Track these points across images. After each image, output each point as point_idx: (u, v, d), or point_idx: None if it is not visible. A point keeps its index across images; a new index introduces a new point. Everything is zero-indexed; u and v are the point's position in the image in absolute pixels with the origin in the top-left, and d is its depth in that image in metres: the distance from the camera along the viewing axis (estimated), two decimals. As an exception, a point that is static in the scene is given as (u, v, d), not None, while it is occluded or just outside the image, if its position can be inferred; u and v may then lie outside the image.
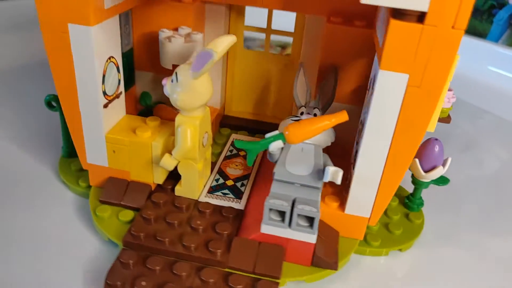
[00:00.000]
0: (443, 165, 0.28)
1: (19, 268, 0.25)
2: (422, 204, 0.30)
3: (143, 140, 0.27)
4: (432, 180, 0.29)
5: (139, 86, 0.34)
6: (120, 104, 0.29)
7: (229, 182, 0.30)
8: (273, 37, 0.35)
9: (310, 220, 0.24)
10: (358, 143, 0.25)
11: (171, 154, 0.26)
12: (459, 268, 0.28)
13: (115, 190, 0.28)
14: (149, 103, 0.34)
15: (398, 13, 0.20)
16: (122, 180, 0.28)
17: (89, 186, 0.30)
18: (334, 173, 0.24)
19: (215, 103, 0.36)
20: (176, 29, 0.30)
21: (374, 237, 0.28)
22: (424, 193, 0.30)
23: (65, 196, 0.30)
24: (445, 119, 0.26)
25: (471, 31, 0.67)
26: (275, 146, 0.24)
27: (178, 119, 0.26)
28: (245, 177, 0.31)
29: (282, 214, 0.24)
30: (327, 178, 0.24)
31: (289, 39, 0.35)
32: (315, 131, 0.24)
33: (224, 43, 0.24)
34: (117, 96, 0.28)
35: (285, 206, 0.23)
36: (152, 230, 0.25)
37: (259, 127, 0.37)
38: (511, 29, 0.65)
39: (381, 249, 0.27)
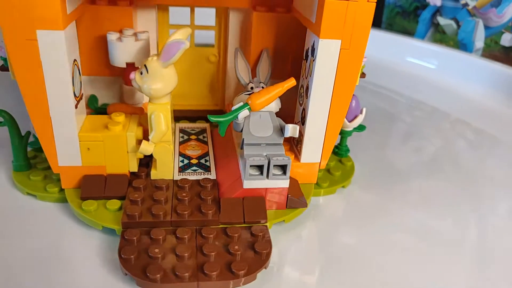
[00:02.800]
0: (361, 113, 0.36)
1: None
2: (348, 150, 0.38)
3: (118, 133, 0.29)
4: (354, 128, 0.37)
5: (85, 90, 0.35)
6: (83, 105, 0.30)
7: (194, 161, 0.33)
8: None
9: (282, 168, 0.29)
10: (302, 104, 0.31)
11: (146, 141, 0.29)
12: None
13: (94, 185, 0.30)
14: (97, 105, 0.35)
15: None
16: (98, 176, 0.30)
17: (61, 191, 0.31)
18: (293, 129, 0.29)
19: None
20: (120, 32, 0.32)
21: (323, 180, 0.34)
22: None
23: (34, 206, 0.30)
24: (361, 75, 0.33)
25: (401, 30, 0.77)
26: (242, 115, 0.29)
27: (151, 107, 0.29)
28: (206, 154, 0.34)
29: (259, 168, 0.29)
30: (288, 133, 0.29)
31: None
32: (272, 97, 0.29)
33: (185, 33, 0.28)
34: (81, 98, 0.29)
35: (263, 160, 0.28)
36: (144, 209, 0.28)
37: (197, 115, 0.40)
38: (434, 27, 0.73)
39: (331, 188, 0.34)
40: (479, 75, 0.61)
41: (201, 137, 0.37)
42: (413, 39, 0.72)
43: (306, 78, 0.31)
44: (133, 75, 0.28)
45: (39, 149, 0.34)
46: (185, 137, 0.37)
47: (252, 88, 0.32)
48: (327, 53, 0.28)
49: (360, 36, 0.28)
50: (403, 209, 0.34)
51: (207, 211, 0.28)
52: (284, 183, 0.29)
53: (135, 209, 0.27)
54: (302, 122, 0.31)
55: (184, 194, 0.29)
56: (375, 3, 0.27)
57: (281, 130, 0.30)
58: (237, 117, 0.29)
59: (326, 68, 0.29)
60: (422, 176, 0.38)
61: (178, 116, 0.40)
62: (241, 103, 0.29)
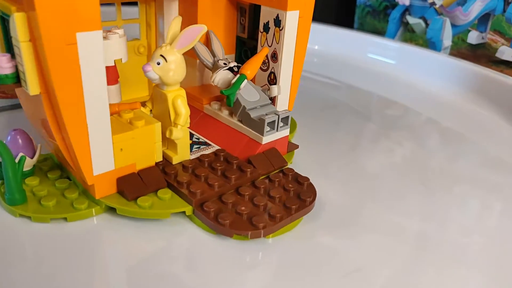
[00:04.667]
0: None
1: None
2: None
3: (147, 127, 0.29)
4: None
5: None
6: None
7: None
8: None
9: (285, 120, 0.35)
10: (267, 69, 0.38)
11: (173, 127, 0.30)
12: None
13: (134, 184, 0.29)
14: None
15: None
16: (131, 175, 0.30)
17: (90, 205, 0.29)
18: (278, 89, 0.36)
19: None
20: (90, 31, 0.31)
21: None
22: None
23: (67, 230, 0.28)
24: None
25: (372, 29, 0.73)
26: (243, 85, 0.34)
27: (171, 94, 0.30)
28: (191, 134, 0.37)
29: (270, 124, 0.34)
30: (274, 93, 0.36)
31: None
32: (258, 66, 0.35)
33: (180, 20, 0.31)
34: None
35: (275, 117, 0.34)
36: (200, 186, 0.30)
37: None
38: (404, 26, 0.73)
39: (290, 134, 0.42)
40: (447, 73, 0.61)
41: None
42: (382, 38, 0.71)
43: (270, 46, 0.37)
44: (149, 67, 0.29)
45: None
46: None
47: (224, 63, 0.36)
48: (292, 23, 0.35)
49: (309, 4, 0.36)
50: (374, 209, 0.33)
51: (247, 169, 0.32)
52: (286, 131, 0.36)
53: (196, 187, 0.29)
54: (271, 83, 0.38)
55: (218, 164, 0.32)
56: (319, -22, 0.35)
57: (264, 92, 0.36)
58: (239, 87, 0.34)
59: (291, 35, 0.36)
60: (392, 176, 0.38)
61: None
62: (238, 76, 0.34)
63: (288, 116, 0.35)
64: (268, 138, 0.34)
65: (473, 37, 0.66)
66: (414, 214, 0.33)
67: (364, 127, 0.48)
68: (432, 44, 0.71)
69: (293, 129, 0.44)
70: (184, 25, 0.40)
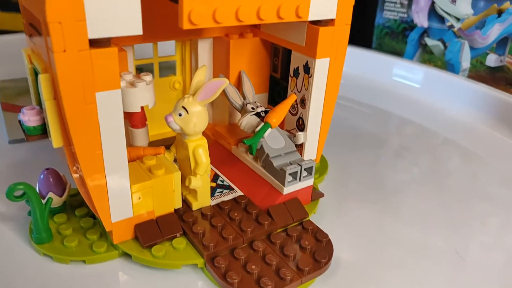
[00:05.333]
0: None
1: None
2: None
3: (165, 176, 0.30)
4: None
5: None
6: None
7: (213, 184, 0.36)
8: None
9: (309, 170, 0.34)
10: (296, 114, 0.37)
11: (192, 175, 0.31)
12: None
13: (150, 231, 0.30)
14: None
15: (316, 22, 0.33)
16: (149, 221, 0.30)
17: (108, 248, 0.30)
18: (304, 136, 0.35)
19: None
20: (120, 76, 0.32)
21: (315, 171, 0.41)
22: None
23: (88, 270, 0.29)
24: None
25: (391, 50, 0.76)
26: (267, 134, 0.33)
27: (191, 144, 0.31)
28: (216, 176, 0.37)
29: (292, 175, 0.34)
30: (301, 140, 0.35)
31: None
32: (285, 113, 0.34)
33: (205, 71, 0.31)
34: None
35: (297, 167, 0.33)
36: (214, 237, 0.30)
37: (168, 143, 0.42)
38: (422, 48, 0.74)
39: (321, 177, 0.41)
40: (465, 96, 0.63)
41: (195, 161, 0.39)
42: (400, 59, 0.73)
43: (299, 91, 0.36)
44: (171, 118, 0.30)
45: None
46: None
47: (252, 108, 0.36)
48: (321, 70, 0.34)
49: (341, 52, 0.35)
50: (394, 224, 0.36)
51: (264, 221, 0.32)
52: (310, 181, 0.35)
53: (210, 239, 0.30)
54: (299, 129, 0.37)
55: (235, 214, 0.32)
56: (349, 25, 0.34)
57: (290, 139, 0.35)
58: (263, 136, 0.33)
59: (320, 82, 0.35)
60: (411, 194, 0.40)
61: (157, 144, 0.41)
62: (262, 124, 0.34)
63: (312, 167, 0.34)
64: (289, 188, 0.34)
65: (492, 60, 0.66)
66: (433, 231, 0.35)
67: (383, 144, 0.50)
68: (450, 66, 0.71)
69: (324, 171, 0.43)
70: (216, 63, 0.41)
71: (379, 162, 0.47)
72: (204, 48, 0.40)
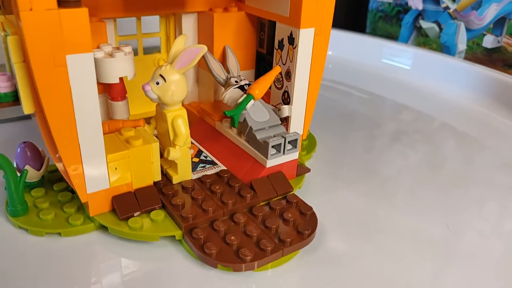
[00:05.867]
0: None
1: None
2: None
3: (143, 146, 0.29)
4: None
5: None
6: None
7: (195, 159, 0.35)
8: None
9: (293, 143, 0.34)
10: (282, 88, 0.36)
11: (171, 147, 0.30)
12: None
13: (128, 203, 0.29)
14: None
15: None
16: (127, 193, 0.30)
17: (85, 221, 0.29)
18: (289, 109, 0.34)
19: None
20: (98, 47, 0.31)
21: (303, 148, 0.40)
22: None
23: (63, 243, 0.29)
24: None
25: (385, 34, 0.74)
26: (249, 105, 0.33)
27: (170, 114, 0.30)
28: (200, 151, 0.36)
29: (275, 147, 0.33)
30: (285, 113, 0.34)
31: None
32: (268, 86, 0.33)
33: (184, 40, 0.30)
34: (96, 119, 0.28)
35: (280, 139, 0.32)
36: (194, 209, 0.29)
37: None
38: (417, 31, 0.73)
39: (308, 154, 0.40)
40: (462, 78, 0.61)
41: (179, 138, 0.38)
42: (391, 42, 0.71)
43: (284, 64, 0.35)
44: (149, 87, 0.29)
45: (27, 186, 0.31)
46: (166, 142, 0.38)
47: (236, 81, 0.35)
48: (306, 41, 0.33)
49: (326, 22, 0.34)
50: (385, 207, 0.34)
51: (247, 194, 0.31)
52: (295, 155, 0.34)
53: (189, 211, 0.29)
54: (285, 102, 0.36)
55: (217, 187, 0.31)
56: (339, -6, 0.33)
57: (274, 112, 0.34)
58: (245, 108, 0.32)
59: (305, 53, 0.34)
60: (405, 178, 0.39)
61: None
62: (245, 95, 0.33)
63: (296, 139, 0.33)
64: (273, 161, 0.33)
65: (489, 41, 0.65)
66: (429, 217, 0.33)
67: (378, 135, 0.48)
68: (446, 49, 0.70)
69: (312, 148, 0.42)
70: (201, 39, 0.40)
71: (373, 145, 0.45)
72: (189, 24, 0.39)
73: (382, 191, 0.37)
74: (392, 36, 0.76)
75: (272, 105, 0.37)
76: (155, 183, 0.31)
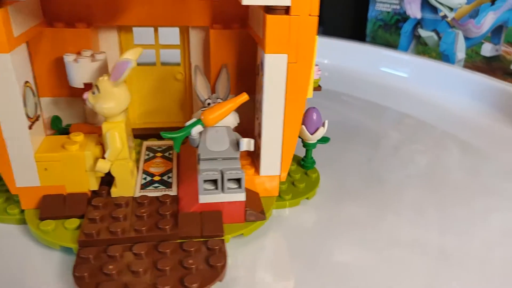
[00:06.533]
0: (323, 126, 0.36)
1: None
2: (314, 162, 0.38)
3: (75, 152, 0.29)
4: (318, 140, 0.37)
5: (46, 112, 0.35)
6: (40, 126, 0.30)
7: (156, 178, 0.34)
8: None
9: (238, 182, 0.29)
10: (258, 118, 0.32)
11: (103, 159, 0.29)
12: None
13: (53, 205, 0.30)
14: (61, 126, 0.35)
15: (271, 9, 0.27)
16: (57, 195, 0.30)
17: (22, 211, 0.31)
18: (247, 143, 0.30)
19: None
20: (79, 53, 0.33)
21: (286, 193, 0.34)
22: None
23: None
24: (317, 88, 0.34)
25: (384, 43, 0.77)
26: (195, 131, 0.30)
27: (105, 126, 0.29)
28: (169, 171, 0.35)
29: (214, 183, 0.29)
30: (243, 147, 0.30)
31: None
32: (225, 113, 0.30)
33: (135, 53, 0.29)
34: (37, 119, 0.30)
35: (216, 174, 0.28)
36: (102, 227, 0.28)
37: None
38: (416, 39, 0.73)
39: (294, 200, 0.34)
40: (462, 86, 0.60)
41: (166, 154, 0.37)
42: (393, 51, 0.72)
43: (259, 93, 0.31)
44: (86, 95, 0.29)
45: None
46: (151, 154, 0.37)
47: (209, 104, 0.33)
48: (274, 68, 0.29)
49: (306, 49, 0.28)
50: (392, 221, 0.34)
51: (165, 226, 0.28)
52: (241, 196, 0.29)
53: (93, 227, 0.28)
54: (259, 135, 0.32)
55: (142, 211, 0.29)
56: (317, 17, 0.27)
57: (237, 145, 0.30)
58: (190, 133, 0.30)
59: (274, 82, 0.29)
60: (410, 189, 0.38)
61: (148, 134, 0.40)
62: (194, 119, 0.30)
63: (240, 178, 0.29)
64: (208, 197, 0.29)
65: (487, 49, 0.65)
66: (434, 228, 0.33)
67: (380, 139, 0.48)
68: (445, 57, 0.70)
69: (315, 185, 0.36)
70: (204, 55, 0.38)
71: (376, 156, 0.44)
72: (194, 38, 0.37)
73: (387, 203, 0.36)
74: (391, 45, 0.76)
75: (254, 137, 0.33)
76: (94, 192, 0.31)
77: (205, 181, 0.29)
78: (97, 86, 0.28)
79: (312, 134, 0.36)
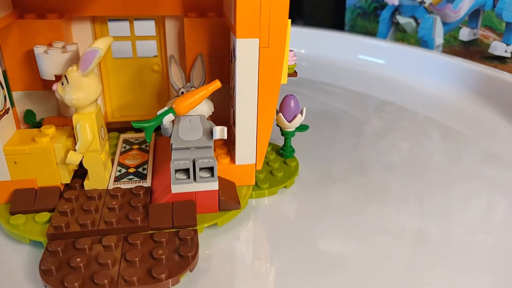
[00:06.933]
0: (301, 113, 0.36)
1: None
2: (293, 151, 0.38)
3: (44, 145, 0.29)
4: (296, 128, 0.37)
5: (19, 106, 0.35)
6: (10, 120, 0.30)
7: (131, 170, 0.33)
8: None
9: (211, 170, 0.29)
10: (233, 106, 0.31)
11: (74, 151, 0.29)
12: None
13: (24, 198, 0.29)
14: (34, 120, 0.35)
15: (240, -6, 0.27)
16: (29, 189, 0.30)
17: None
18: (220, 131, 0.29)
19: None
20: (50, 45, 0.32)
21: (263, 182, 0.34)
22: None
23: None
24: (292, 74, 0.33)
25: (363, 31, 0.77)
26: (167, 120, 0.29)
27: (75, 117, 0.29)
28: (144, 163, 0.34)
29: (187, 172, 0.29)
30: (216, 135, 0.29)
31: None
32: (197, 100, 0.29)
33: (104, 41, 0.28)
34: (6, 112, 0.29)
35: (188, 164, 0.28)
36: (73, 220, 0.28)
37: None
38: (394, 26, 0.73)
39: (272, 189, 0.34)
40: (441, 71, 0.61)
41: (143, 146, 0.37)
42: (372, 38, 0.72)
43: (232, 80, 0.31)
44: (55, 86, 0.28)
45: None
46: (127, 147, 0.36)
47: (182, 93, 0.32)
48: (246, 53, 0.28)
49: (278, 33, 0.28)
50: (376, 208, 0.33)
51: (135, 217, 0.28)
52: (213, 185, 0.29)
53: (62, 220, 0.27)
54: (233, 124, 0.31)
55: (114, 203, 0.29)
56: (287, 1, 0.27)
57: (211, 133, 0.30)
58: (161, 122, 0.29)
59: (247, 68, 0.29)
60: (394, 176, 0.38)
61: (127, 127, 0.40)
62: (166, 108, 0.29)
63: (212, 167, 0.28)
64: (179, 187, 0.29)
65: (465, 33, 0.65)
66: (417, 214, 0.33)
67: (363, 126, 0.48)
68: (424, 43, 0.70)
69: (293, 174, 0.35)
70: (180, 45, 0.37)
71: (360, 143, 0.44)
72: (170, 28, 0.37)
73: (369, 190, 0.36)
74: (370, 33, 0.75)
75: (229, 125, 0.33)
76: (67, 185, 0.31)
77: (177, 170, 0.28)
78: (65, 77, 0.28)
79: (289, 122, 0.35)
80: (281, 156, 0.37)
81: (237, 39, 0.28)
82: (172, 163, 0.28)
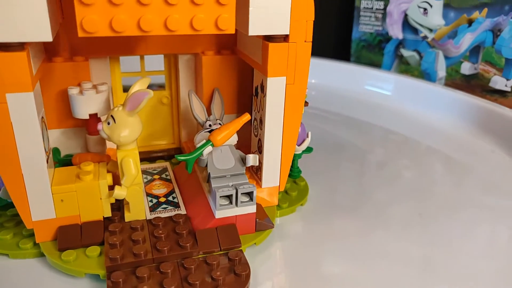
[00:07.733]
0: (307, 137, 0.40)
1: None
2: (300, 171, 0.42)
3: (90, 182, 0.30)
4: (303, 151, 0.41)
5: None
6: (51, 159, 0.31)
7: (162, 199, 0.35)
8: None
9: (249, 195, 0.32)
10: (257, 135, 0.35)
11: (119, 186, 0.31)
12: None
13: (70, 235, 0.30)
14: (60, 157, 0.36)
15: (271, 38, 0.31)
16: (73, 225, 0.31)
17: (35, 245, 0.31)
18: (253, 158, 0.32)
19: (112, 145, 0.40)
20: (79, 85, 0.34)
21: (282, 201, 0.37)
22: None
23: (8, 265, 0.30)
24: (304, 103, 0.37)
25: (369, 62, 0.79)
26: (206, 152, 0.32)
27: (120, 153, 0.30)
28: (172, 191, 0.36)
29: (228, 198, 0.31)
30: (249, 163, 0.32)
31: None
32: (231, 133, 0.32)
33: (145, 83, 0.30)
34: (50, 151, 0.31)
35: (231, 190, 0.31)
36: (125, 251, 0.29)
37: (155, 155, 0.42)
38: (398, 59, 0.76)
39: (291, 208, 0.37)
40: (443, 103, 0.64)
41: (163, 176, 0.39)
42: (377, 70, 0.75)
43: (258, 112, 0.34)
44: (101, 126, 0.30)
45: (2, 207, 0.34)
46: (149, 177, 0.38)
47: (210, 125, 0.35)
48: (275, 89, 0.32)
49: (302, 71, 0.32)
50: (381, 236, 0.35)
51: (185, 244, 0.30)
52: (252, 208, 0.32)
53: (117, 252, 0.29)
54: (259, 151, 0.35)
55: (160, 231, 0.31)
56: (311, 43, 0.31)
57: (242, 161, 0.33)
58: (202, 154, 0.32)
59: (275, 102, 0.32)
60: (396, 205, 0.40)
61: (141, 158, 0.41)
62: (204, 141, 0.32)
63: (252, 192, 0.31)
64: (223, 212, 0.31)
65: (466, 68, 0.68)
66: (421, 241, 0.34)
67: (366, 155, 0.50)
68: (427, 75, 0.73)
69: (305, 192, 0.39)
70: (196, 80, 0.40)
71: (364, 172, 0.46)
72: (184, 64, 0.40)
73: (374, 216, 0.38)
74: (375, 64, 0.79)
75: (252, 152, 0.36)
76: (109, 218, 0.32)
77: (221, 197, 0.31)
78: (112, 117, 0.30)
79: (298, 145, 0.39)
80: (289, 176, 0.41)
81: (268, 78, 0.31)
82: (217, 191, 0.31)
